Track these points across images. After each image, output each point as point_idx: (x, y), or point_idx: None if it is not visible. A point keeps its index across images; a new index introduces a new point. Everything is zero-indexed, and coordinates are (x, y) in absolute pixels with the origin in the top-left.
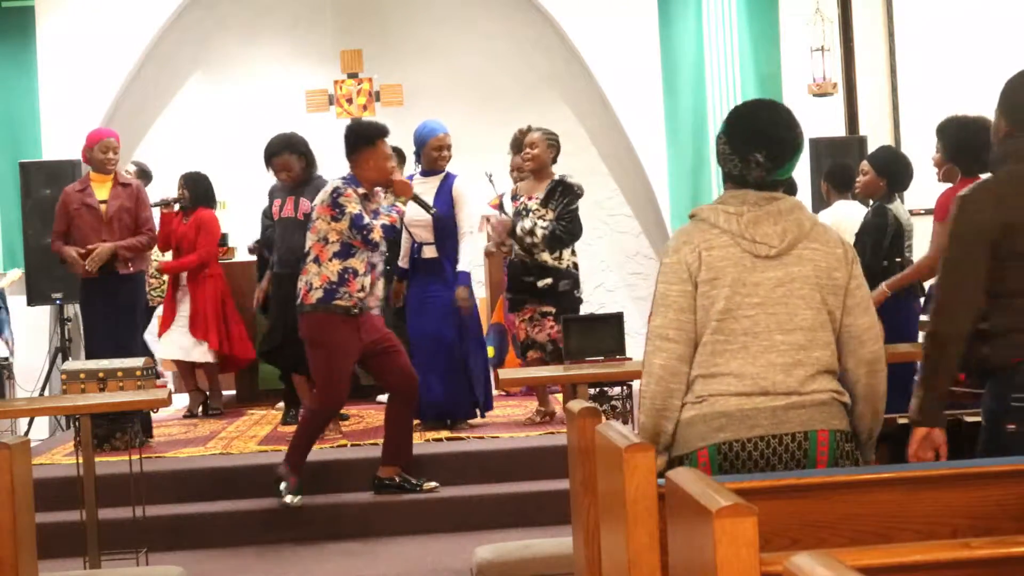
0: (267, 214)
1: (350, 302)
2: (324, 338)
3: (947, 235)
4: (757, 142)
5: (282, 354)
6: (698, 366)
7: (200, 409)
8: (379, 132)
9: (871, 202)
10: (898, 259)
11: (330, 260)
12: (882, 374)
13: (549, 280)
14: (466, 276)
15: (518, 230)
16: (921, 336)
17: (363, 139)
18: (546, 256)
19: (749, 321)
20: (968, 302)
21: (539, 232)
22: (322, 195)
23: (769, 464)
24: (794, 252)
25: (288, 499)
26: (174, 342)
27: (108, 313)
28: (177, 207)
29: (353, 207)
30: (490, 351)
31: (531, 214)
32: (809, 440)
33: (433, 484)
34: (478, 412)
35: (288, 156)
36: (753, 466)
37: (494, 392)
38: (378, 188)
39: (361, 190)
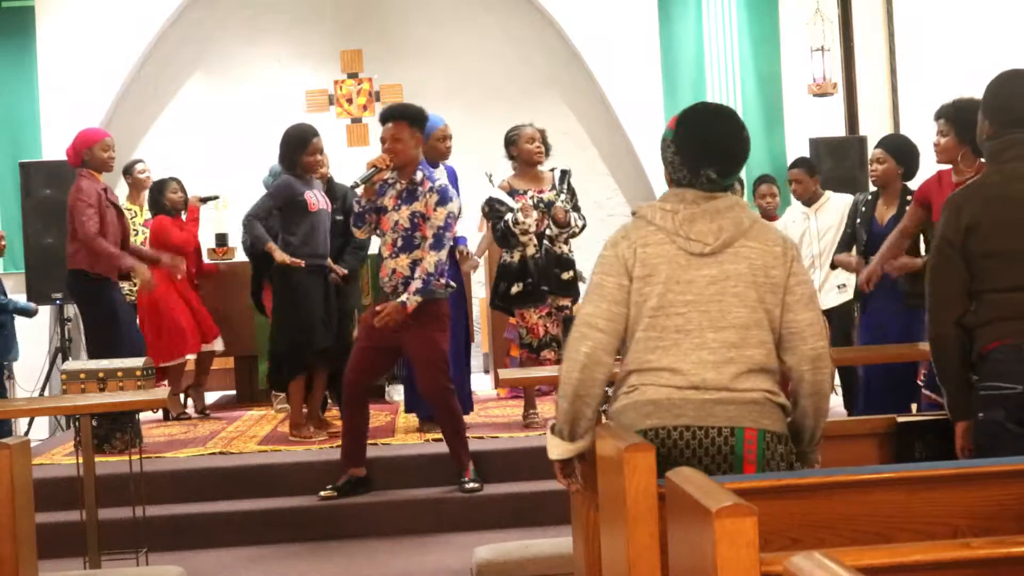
0: (285, 203)
1: (387, 289)
2: (365, 315)
3: (934, 240)
4: (710, 158)
5: (329, 353)
6: (631, 362)
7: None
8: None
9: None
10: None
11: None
12: (826, 371)
13: (571, 272)
14: (463, 239)
15: (573, 223)
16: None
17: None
18: (565, 248)
19: (681, 319)
20: (949, 303)
21: (579, 224)
22: None
23: (696, 456)
24: (730, 250)
25: (472, 485)
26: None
27: (128, 314)
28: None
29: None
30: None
31: (553, 208)
32: (736, 437)
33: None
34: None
35: (320, 140)
36: (679, 455)
37: (496, 392)
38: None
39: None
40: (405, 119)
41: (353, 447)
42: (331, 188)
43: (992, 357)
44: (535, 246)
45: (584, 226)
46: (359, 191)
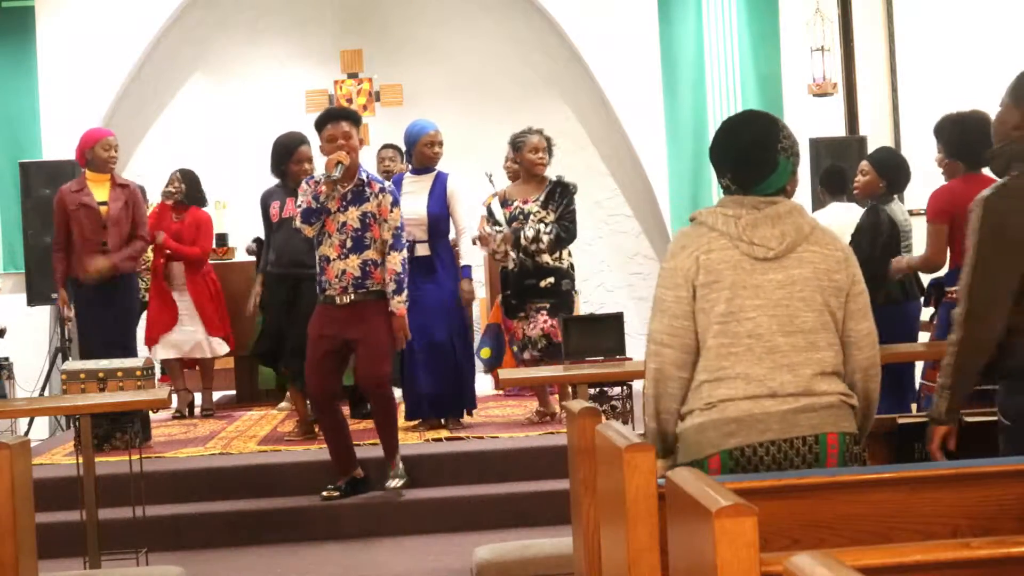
0: (266, 218)
1: (334, 291)
2: (309, 326)
3: (974, 239)
4: (724, 165)
5: (278, 356)
6: (704, 371)
7: (187, 409)
8: (322, 119)
9: (869, 203)
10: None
11: (316, 252)
12: (877, 379)
13: (551, 279)
14: (468, 269)
15: (522, 240)
16: (924, 336)
17: (317, 131)
18: (546, 257)
19: (752, 323)
20: (1001, 304)
21: (544, 239)
22: None
23: (780, 467)
24: (793, 255)
25: (396, 483)
26: (178, 340)
27: (106, 316)
28: (171, 201)
29: (302, 198)
30: (485, 352)
31: (531, 218)
32: (819, 443)
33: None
34: (465, 411)
35: (308, 148)
36: (765, 470)
37: (494, 392)
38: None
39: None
40: (352, 120)
41: (341, 455)
42: None
43: None
44: (514, 260)
45: (559, 239)
46: (322, 187)
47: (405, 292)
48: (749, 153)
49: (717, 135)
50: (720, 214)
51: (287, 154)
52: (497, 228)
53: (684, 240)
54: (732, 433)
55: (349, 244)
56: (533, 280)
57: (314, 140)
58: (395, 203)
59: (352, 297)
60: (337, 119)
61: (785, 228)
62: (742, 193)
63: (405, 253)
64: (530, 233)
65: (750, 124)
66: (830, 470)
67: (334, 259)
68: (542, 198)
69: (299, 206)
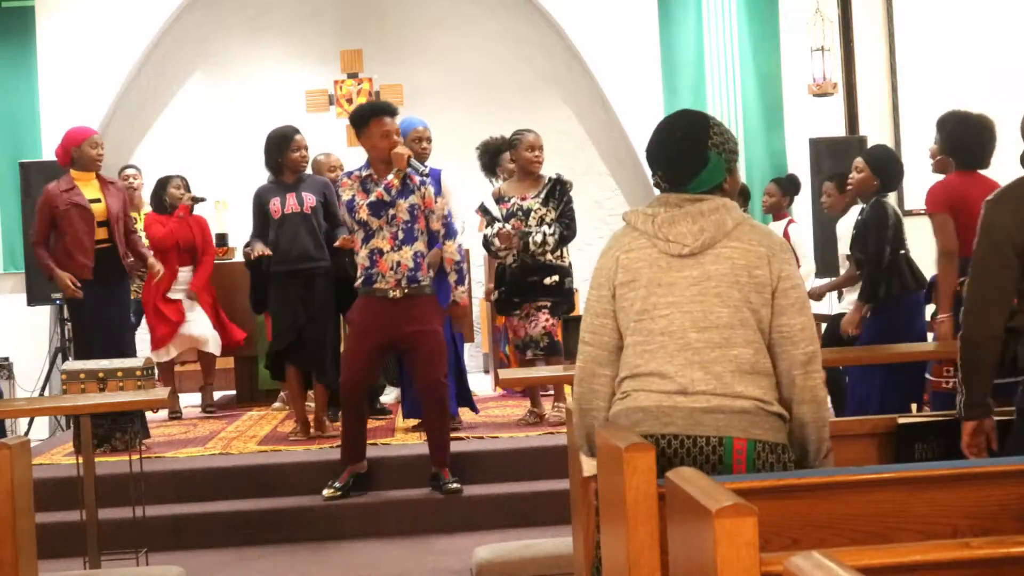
0: (262, 215)
1: (388, 284)
2: (353, 316)
3: (977, 238)
4: (654, 162)
5: (294, 353)
6: (624, 368)
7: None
8: (371, 112)
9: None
10: (902, 251)
11: (361, 246)
12: (819, 376)
13: (556, 277)
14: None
15: (531, 245)
16: (931, 335)
17: (357, 124)
18: (549, 256)
19: (665, 321)
20: (996, 303)
21: (551, 241)
22: None
23: (684, 464)
24: (711, 251)
25: (455, 485)
26: (189, 333)
27: (104, 316)
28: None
29: (347, 194)
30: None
31: (531, 215)
32: (724, 447)
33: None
34: (469, 410)
35: (303, 137)
36: (667, 463)
37: (494, 392)
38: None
39: (366, 172)
40: (395, 114)
41: (354, 446)
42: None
43: None
44: (514, 256)
45: (563, 237)
46: (393, 181)
47: (467, 280)
48: (678, 150)
49: (654, 133)
50: (641, 213)
51: (285, 143)
52: (499, 225)
53: (612, 241)
54: (638, 422)
55: (401, 236)
56: (536, 277)
57: (309, 136)
58: (438, 192)
59: (406, 291)
60: (388, 113)
61: (705, 224)
62: (673, 191)
63: (459, 240)
64: (539, 239)
65: (680, 121)
66: (829, 470)
67: (388, 251)
68: (543, 195)
69: (348, 200)
